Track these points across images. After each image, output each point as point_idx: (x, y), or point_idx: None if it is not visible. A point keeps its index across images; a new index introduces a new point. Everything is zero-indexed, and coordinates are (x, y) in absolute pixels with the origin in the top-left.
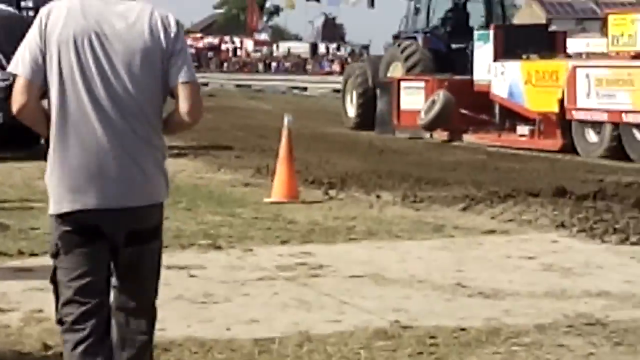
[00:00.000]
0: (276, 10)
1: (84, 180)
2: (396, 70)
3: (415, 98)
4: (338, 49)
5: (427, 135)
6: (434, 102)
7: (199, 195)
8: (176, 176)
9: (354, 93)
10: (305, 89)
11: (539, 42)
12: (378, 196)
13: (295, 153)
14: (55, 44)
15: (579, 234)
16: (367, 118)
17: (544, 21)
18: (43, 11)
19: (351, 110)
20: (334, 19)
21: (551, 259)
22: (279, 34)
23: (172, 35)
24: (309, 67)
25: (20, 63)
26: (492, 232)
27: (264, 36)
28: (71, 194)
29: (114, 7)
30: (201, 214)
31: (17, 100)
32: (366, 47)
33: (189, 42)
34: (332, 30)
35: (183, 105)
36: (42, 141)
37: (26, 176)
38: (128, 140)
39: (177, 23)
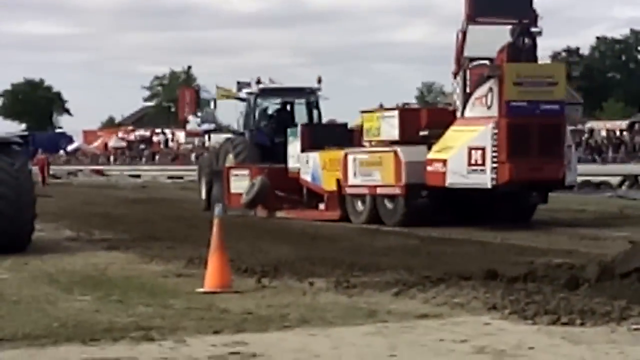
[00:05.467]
0: (209, 102)
1: None
2: (229, 161)
3: (242, 183)
4: None
5: (252, 212)
6: (253, 185)
7: (131, 287)
8: (108, 268)
9: (203, 179)
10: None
11: (339, 137)
12: (311, 283)
13: (227, 242)
14: None
15: (511, 315)
16: None
17: None
18: None
19: (204, 194)
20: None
21: (484, 341)
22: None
23: None
24: None
25: None
26: (425, 316)
27: (205, 126)
28: None
29: None
30: (133, 305)
31: None
32: None
33: (121, 134)
34: None
35: None
36: None
37: None
38: None
39: None
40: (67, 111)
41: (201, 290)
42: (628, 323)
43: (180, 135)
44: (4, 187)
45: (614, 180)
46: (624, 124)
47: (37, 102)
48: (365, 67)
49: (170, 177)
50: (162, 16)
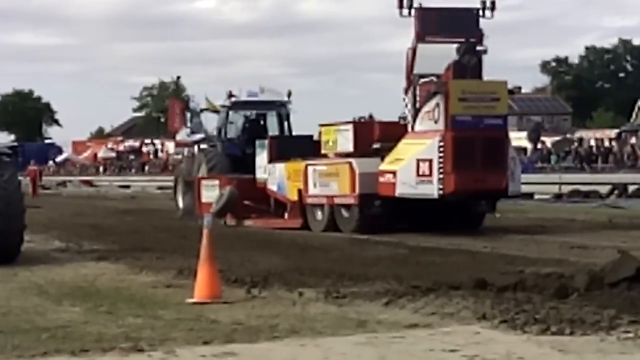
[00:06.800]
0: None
1: None
2: (203, 171)
3: (212, 193)
4: None
5: (221, 221)
6: (222, 195)
7: (121, 298)
8: (97, 279)
9: (179, 189)
10: None
11: (305, 149)
12: (301, 293)
13: (217, 252)
14: None
15: (501, 325)
16: None
17: None
18: None
19: (180, 203)
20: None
21: (474, 350)
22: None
23: None
24: None
25: None
26: (415, 326)
27: (195, 137)
28: None
29: None
30: (122, 316)
31: None
32: None
33: (110, 145)
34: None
35: None
36: None
37: None
38: None
39: None
40: (57, 122)
41: (191, 300)
42: (617, 332)
43: (170, 146)
44: None
45: (603, 190)
46: (613, 133)
47: (26, 113)
48: (357, 77)
49: (159, 188)
50: (153, 27)
